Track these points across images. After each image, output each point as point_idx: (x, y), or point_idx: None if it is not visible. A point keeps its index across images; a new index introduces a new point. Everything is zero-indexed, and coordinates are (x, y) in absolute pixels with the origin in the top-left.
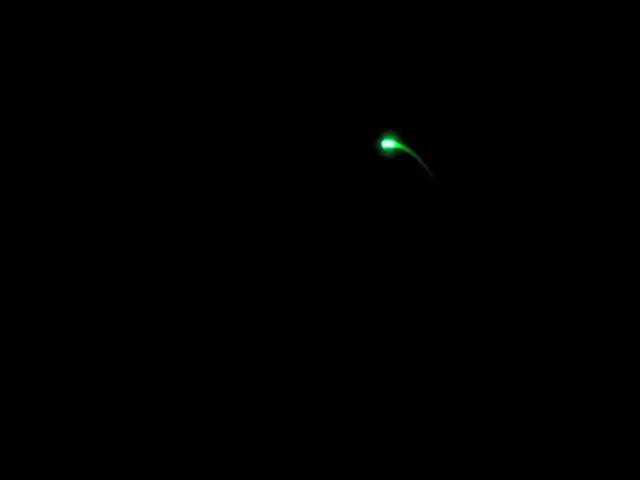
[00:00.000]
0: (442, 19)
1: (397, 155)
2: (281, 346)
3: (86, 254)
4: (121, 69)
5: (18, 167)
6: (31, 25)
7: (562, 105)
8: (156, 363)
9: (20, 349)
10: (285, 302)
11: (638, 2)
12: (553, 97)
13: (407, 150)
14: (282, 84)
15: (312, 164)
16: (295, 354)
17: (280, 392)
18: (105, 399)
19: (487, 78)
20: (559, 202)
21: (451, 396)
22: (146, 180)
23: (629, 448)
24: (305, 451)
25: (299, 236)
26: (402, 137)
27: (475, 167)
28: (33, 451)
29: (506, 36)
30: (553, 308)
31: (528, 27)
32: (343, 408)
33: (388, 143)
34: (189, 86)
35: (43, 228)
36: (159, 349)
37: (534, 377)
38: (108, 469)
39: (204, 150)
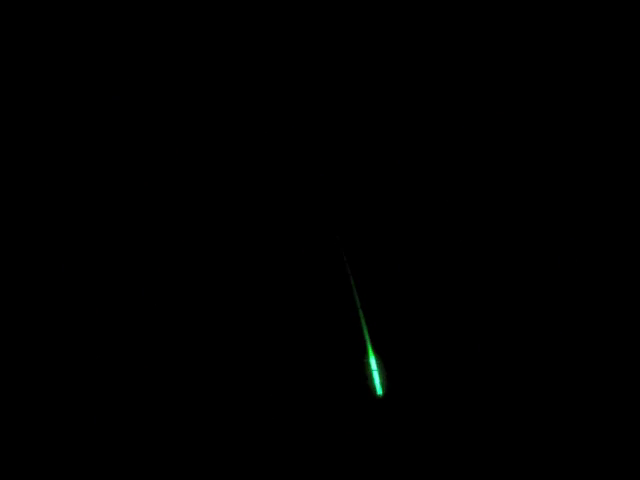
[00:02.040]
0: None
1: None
2: (281, 346)
3: (86, 254)
4: (121, 69)
5: (18, 167)
6: (31, 25)
7: (560, 108)
8: (156, 363)
9: (20, 349)
10: (284, 302)
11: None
12: (552, 101)
13: None
14: (284, 85)
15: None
16: (294, 354)
17: (280, 392)
18: (105, 399)
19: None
20: (559, 202)
21: (451, 396)
22: (146, 180)
23: (629, 448)
24: (305, 451)
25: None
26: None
27: (472, 167)
28: (33, 451)
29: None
30: (553, 308)
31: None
32: (343, 408)
33: None
34: (189, 86)
35: (43, 228)
36: (159, 349)
37: (534, 377)
38: (108, 469)
39: (204, 150)
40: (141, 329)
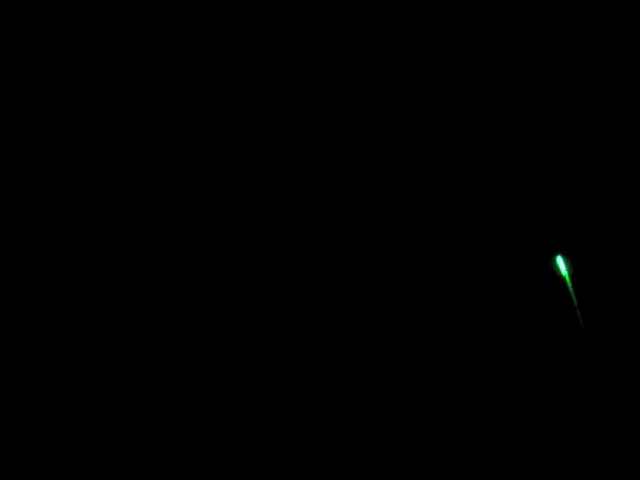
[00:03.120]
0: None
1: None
2: (281, 346)
3: (86, 254)
4: (121, 69)
5: (18, 167)
6: (31, 25)
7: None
8: (156, 363)
9: (20, 349)
10: (286, 302)
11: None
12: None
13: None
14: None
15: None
16: (295, 354)
17: (280, 392)
18: (105, 399)
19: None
20: (559, 203)
21: (451, 396)
22: (146, 180)
23: (629, 448)
24: (305, 451)
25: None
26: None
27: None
28: (33, 451)
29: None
30: (553, 309)
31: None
32: (343, 408)
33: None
34: (189, 86)
35: (43, 228)
36: (159, 349)
37: (534, 378)
38: (108, 469)
39: (206, 151)
40: (141, 328)
